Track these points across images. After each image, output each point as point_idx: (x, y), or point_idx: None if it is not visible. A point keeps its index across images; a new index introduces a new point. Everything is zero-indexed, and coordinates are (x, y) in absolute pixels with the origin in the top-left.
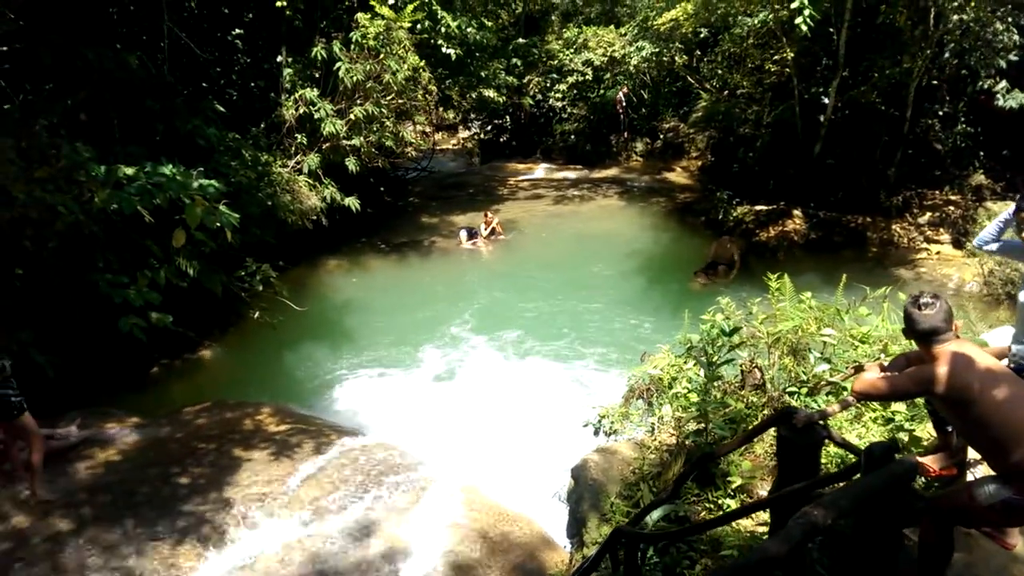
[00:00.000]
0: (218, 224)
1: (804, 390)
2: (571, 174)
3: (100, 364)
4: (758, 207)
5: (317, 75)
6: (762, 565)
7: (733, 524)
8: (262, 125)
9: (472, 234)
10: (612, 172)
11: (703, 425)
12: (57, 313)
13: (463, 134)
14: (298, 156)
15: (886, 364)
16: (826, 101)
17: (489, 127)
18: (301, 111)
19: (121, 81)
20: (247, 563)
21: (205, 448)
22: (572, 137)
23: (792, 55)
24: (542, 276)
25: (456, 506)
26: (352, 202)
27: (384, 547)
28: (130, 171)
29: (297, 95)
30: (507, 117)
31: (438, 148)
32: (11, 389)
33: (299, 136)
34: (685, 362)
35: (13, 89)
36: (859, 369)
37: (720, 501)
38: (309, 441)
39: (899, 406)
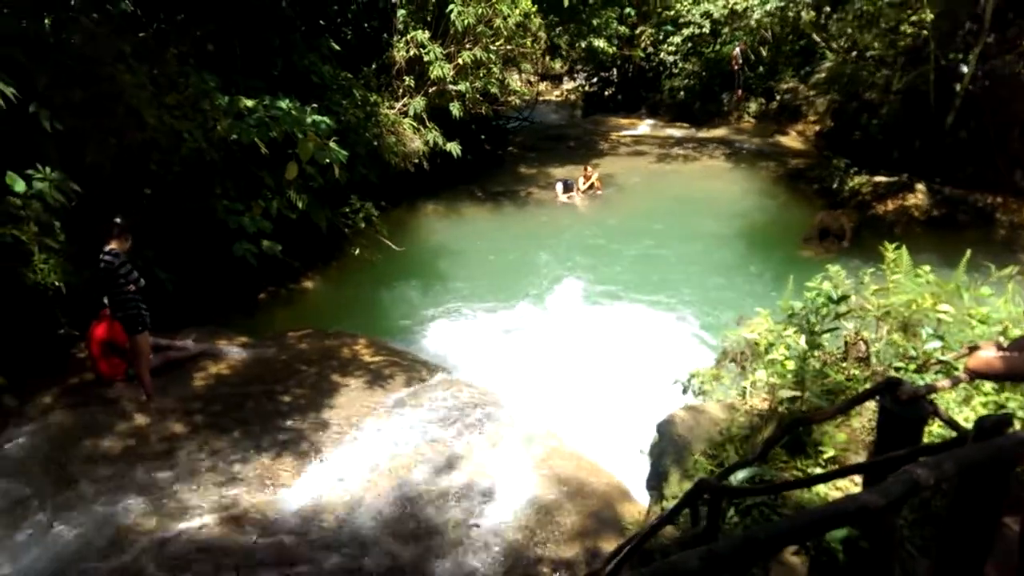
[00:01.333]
0: (328, 160)
1: (912, 367)
2: (676, 132)
3: (213, 286)
4: (877, 178)
5: (429, 18)
6: (858, 514)
7: (821, 493)
8: (373, 65)
9: (569, 187)
10: (720, 132)
11: (799, 393)
12: (178, 235)
13: (567, 85)
14: (405, 99)
15: (1005, 344)
16: (965, 69)
17: (595, 79)
18: (411, 53)
19: (246, 14)
20: (338, 482)
21: (306, 371)
22: (681, 93)
23: (931, 17)
24: (639, 234)
25: (538, 450)
26: (454, 147)
27: (467, 481)
28: (250, 103)
29: (409, 37)
30: (614, 70)
31: (541, 98)
32: (138, 306)
33: (407, 79)
34: (785, 328)
35: (147, 18)
36: (974, 349)
37: (809, 470)
38: (401, 374)
39: (1013, 391)
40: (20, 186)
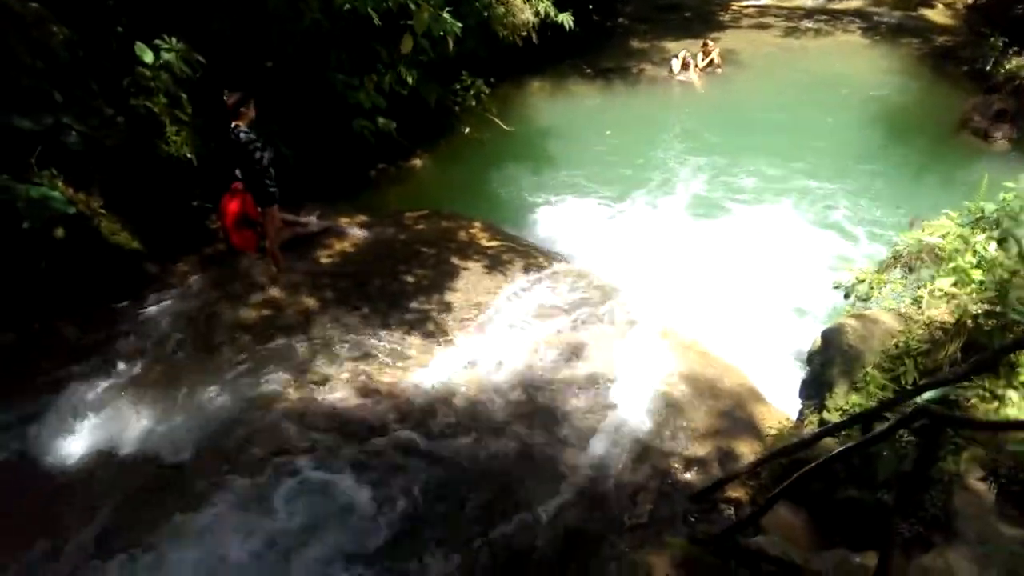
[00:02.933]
0: (441, 32)
1: None
2: (806, 2)
3: (330, 163)
4: None
5: None
6: None
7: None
8: None
9: (685, 64)
10: (856, 3)
11: (996, 308)
12: (297, 109)
13: None
14: None
15: None
16: None
17: None
18: None
19: None
20: (466, 364)
21: (426, 253)
22: None
23: None
24: (763, 117)
25: (662, 343)
26: (566, 18)
27: (591, 371)
28: None
29: None
30: None
31: None
32: (269, 180)
33: None
34: (973, 233)
35: None
36: None
37: (1000, 391)
38: (519, 260)
39: None
40: (149, 56)
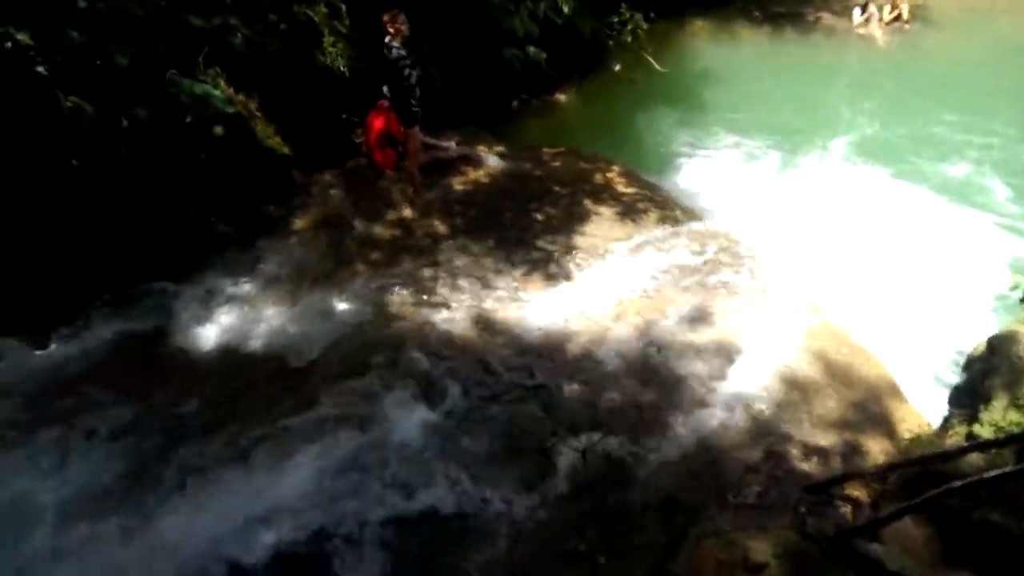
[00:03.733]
0: None
1: None
2: None
3: (475, 89)
4: None
5: None
6: None
7: None
8: None
9: (869, 16)
10: None
11: None
12: (449, 31)
13: None
14: None
15: None
16: None
17: None
18: None
19: None
20: (583, 310)
21: (559, 192)
22: None
23: None
24: (950, 84)
25: (797, 318)
26: None
27: (716, 338)
28: None
29: None
30: None
31: None
32: (414, 100)
33: None
34: None
35: None
36: None
37: None
38: (654, 211)
39: None
40: None
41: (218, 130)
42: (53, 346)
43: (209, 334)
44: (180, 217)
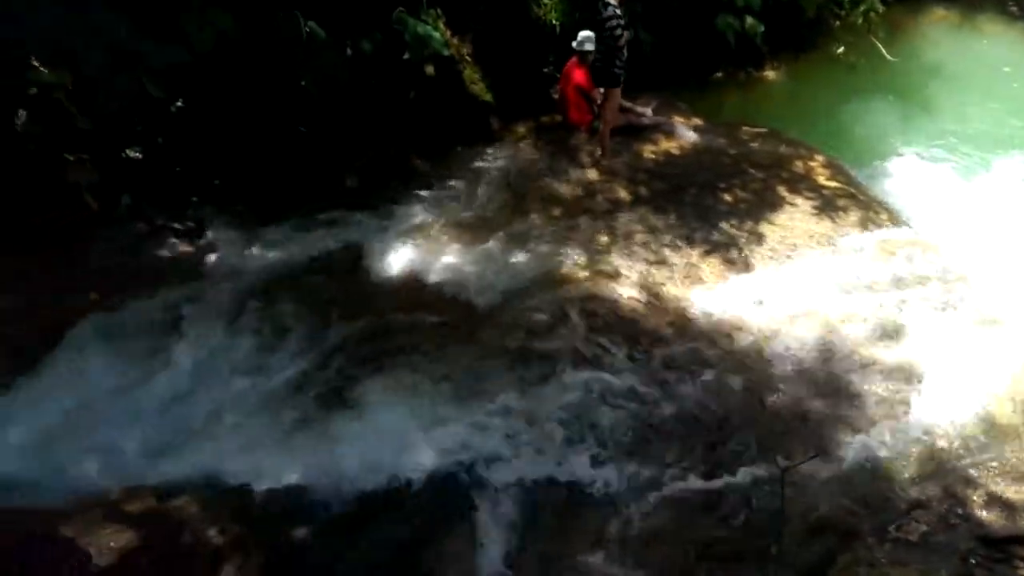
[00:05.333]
0: None
1: None
2: None
3: (681, 56)
4: None
5: None
6: None
7: None
8: None
9: None
10: None
11: None
12: None
13: None
14: None
15: None
16: None
17: None
18: None
19: None
20: (759, 304)
21: (753, 175)
22: None
23: None
24: None
25: (1007, 357)
26: None
27: (904, 358)
28: None
29: None
30: None
31: None
32: (619, 61)
33: None
34: None
35: None
36: None
37: None
38: (856, 210)
39: None
40: None
41: (430, 70)
42: (263, 248)
43: (395, 261)
44: (384, 149)
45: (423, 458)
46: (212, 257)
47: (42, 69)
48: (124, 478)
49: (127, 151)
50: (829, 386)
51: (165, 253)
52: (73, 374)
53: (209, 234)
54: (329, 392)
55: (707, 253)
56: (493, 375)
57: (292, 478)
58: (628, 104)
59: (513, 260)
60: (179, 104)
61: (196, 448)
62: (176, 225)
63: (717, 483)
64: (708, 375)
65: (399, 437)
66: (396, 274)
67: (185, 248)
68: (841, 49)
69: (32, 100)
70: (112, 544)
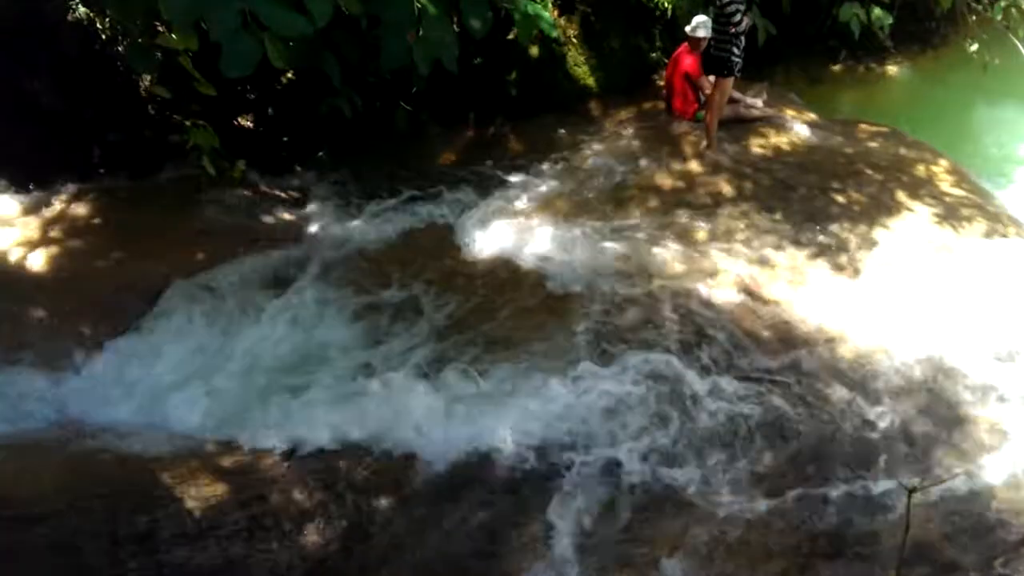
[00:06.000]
0: None
1: None
2: None
3: (797, 46)
4: None
5: None
6: None
7: None
8: None
9: None
10: None
11: None
12: None
13: None
14: None
15: None
16: None
17: None
18: None
19: None
20: (867, 313)
21: (870, 176)
22: None
23: None
24: None
25: None
26: None
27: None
28: None
29: None
30: None
31: None
32: (737, 49)
33: None
34: None
35: None
36: None
37: None
38: (981, 222)
39: None
40: None
41: (534, 51)
42: (362, 219)
43: (487, 240)
44: (483, 127)
45: (506, 439)
46: (313, 226)
47: (169, 33)
48: (219, 432)
49: (239, 118)
50: (937, 406)
51: (269, 219)
52: (177, 328)
53: (311, 203)
54: (416, 365)
55: (814, 256)
56: (578, 363)
57: (378, 447)
58: (738, 95)
59: (606, 248)
60: (290, 75)
61: (285, 409)
62: (280, 192)
63: (811, 499)
64: (807, 384)
65: (484, 414)
66: (488, 253)
67: (288, 215)
68: (975, 47)
69: (158, 64)
70: (206, 496)
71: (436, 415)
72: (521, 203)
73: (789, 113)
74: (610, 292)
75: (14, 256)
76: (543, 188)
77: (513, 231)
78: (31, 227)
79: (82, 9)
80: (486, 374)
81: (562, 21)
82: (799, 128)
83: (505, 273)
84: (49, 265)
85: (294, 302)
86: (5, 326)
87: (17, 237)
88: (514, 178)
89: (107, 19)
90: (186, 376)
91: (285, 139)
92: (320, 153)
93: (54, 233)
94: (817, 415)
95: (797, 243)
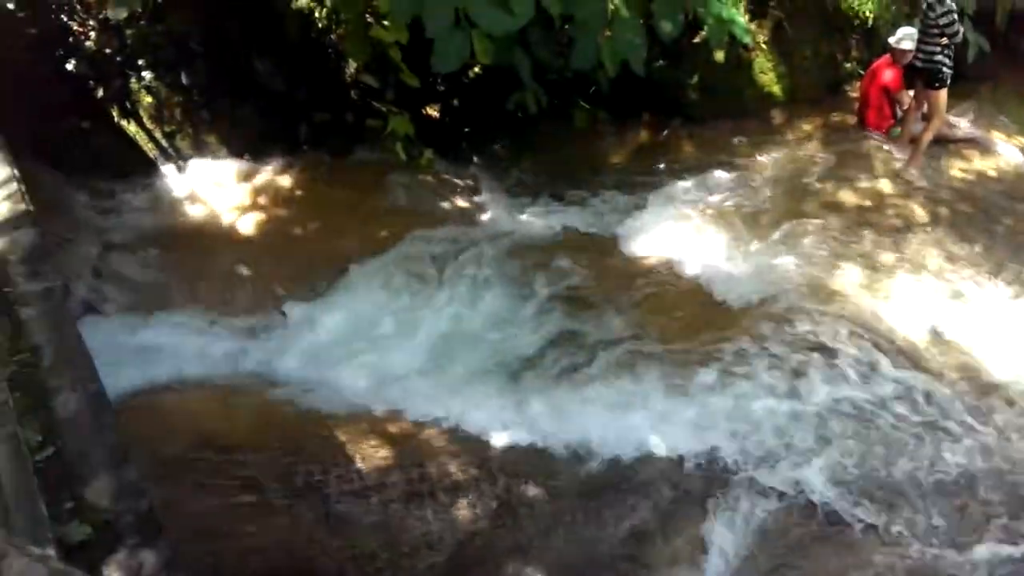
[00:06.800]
0: None
1: None
2: None
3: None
4: None
5: None
6: None
7: None
8: None
9: None
10: None
11: None
12: None
13: None
14: None
15: None
16: None
17: None
18: None
19: None
20: None
21: None
22: None
23: None
24: None
25: None
26: None
27: None
28: None
29: None
30: None
31: None
32: (949, 60)
33: None
34: None
35: None
36: None
37: None
38: None
39: None
40: None
41: (719, 55)
42: (530, 214)
43: (652, 245)
44: (658, 129)
45: (668, 446)
46: (486, 214)
47: (382, 25)
48: (386, 398)
49: (427, 108)
50: None
51: (446, 204)
52: (359, 298)
53: (484, 192)
54: (577, 362)
55: (1017, 296)
56: (748, 377)
57: (534, 435)
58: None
59: (780, 263)
60: (477, 69)
61: (450, 385)
62: (458, 180)
63: (999, 560)
64: (1001, 437)
65: (645, 419)
66: (654, 258)
67: (463, 202)
68: None
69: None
70: (371, 456)
71: (594, 413)
72: (692, 210)
73: (997, 135)
74: (782, 308)
75: (227, 218)
76: (716, 196)
77: (681, 238)
78: (243, 193)
79: None
80: (648, 379)
81: (752, 26)
82: (1008, 152)
83: (670, 280)
84: (254, 230)
85: (464, 284)
86: (215, 283)
87: (231, 201)
88: (686, 184)
89: (323, 9)
90: (363, 343)
91: (466, 130)
92: (496, 145)
93: (261, 200)
94: (1011, 471)
95: (998, 279)
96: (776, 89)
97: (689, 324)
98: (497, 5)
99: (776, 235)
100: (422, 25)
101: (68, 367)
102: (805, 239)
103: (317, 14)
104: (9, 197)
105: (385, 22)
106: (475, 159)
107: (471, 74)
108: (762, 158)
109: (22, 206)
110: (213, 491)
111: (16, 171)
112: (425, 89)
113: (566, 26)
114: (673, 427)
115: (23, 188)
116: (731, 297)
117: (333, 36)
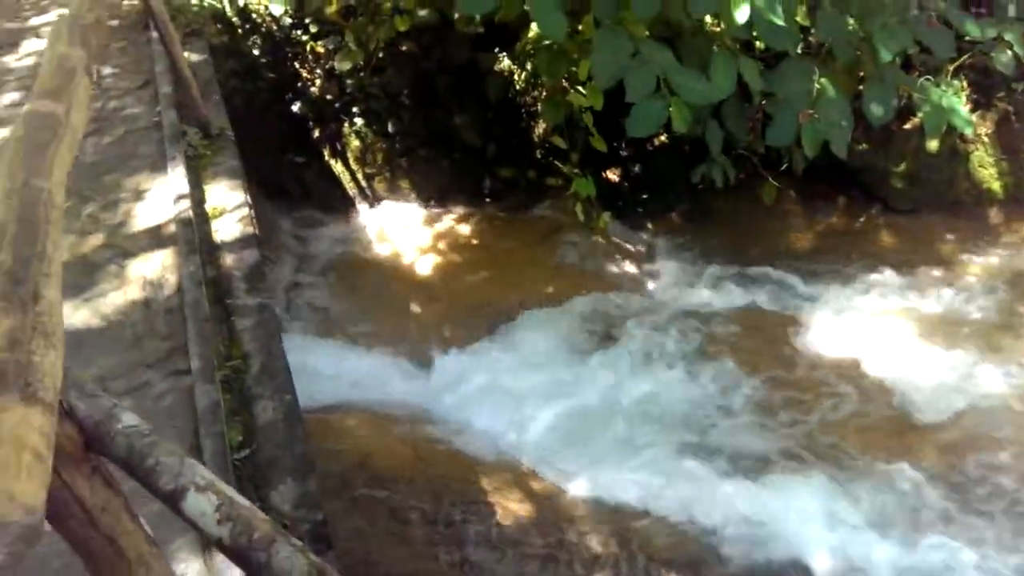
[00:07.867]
0: None
1: None
2: None
3: None
4: None
5: None
6: None
7: None
8: None
9: None
10: None
11: None
12: None
13: None
14: None
15: None
16: None
17: None
18: None
19: None
20: None
21: None
22: None
23: None
24: None
25: None
26: None
27: None
28: None
29: None
30: None
31: None
32: None
33: None
34: None
35: None
36: None
37: None
38: None
39: None
40: None
41: (932, 145)
42: (702, 286)
43: (835, 340)
44: (853, 215)
45: (829, 557)
46: (656, 282)
47: (578, 90)
48: (533, 455)
49: (608, 171)
50: None
51: (616, 268)
52: (520, 351)
53: (657, 260)
54: (737, 452)
55: None
56: (926, 503)
57: (682, 521)
58: None
59: (986, 382)
60: (663, 138)
61: (597, 453)
62: (630, 245)
63: None
64: None
65: (804, 523)
66: (834, 355)
67: (634, 267)
68: None
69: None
70: (513, 511)
71: (747, 508)
72: (883, 308)
73: None
74: (978, 426)
75: (407, 258)
76: (916, 294)
77: (869, 338)
78: (425, 236)
79: (507, 61)
80: (811, 482)
81: (974, 117)
82: None
83: (851, 382)
84: (431, 272)
85: (629, 351)
86: (390, 317)
87: (413, 243)
88: (879, 277)
89: (524, 72)
90: (517, 396)
91: (644, 196)
92: (673, 214)
93: (441, 245)
94: None
95: None
96: (996, 186)
97: (868, 433)
98: (699, 76)
99: (984, 350)
100: (617, 91)
101: (271, 378)
102: (1021, 357)
103: (517, 76)
104: (241, 220)
105: (580, 87)
106: (650, 226)
107: (656, 142)
108: (973, 261)
109: (251, 229)
110: (361, 515)
111: (248, 198)
112: (609, 153)
113: (763, 101)
114: (837, 537)
115: (253, 213)
116: (920, 412)
117: (529, 98)
